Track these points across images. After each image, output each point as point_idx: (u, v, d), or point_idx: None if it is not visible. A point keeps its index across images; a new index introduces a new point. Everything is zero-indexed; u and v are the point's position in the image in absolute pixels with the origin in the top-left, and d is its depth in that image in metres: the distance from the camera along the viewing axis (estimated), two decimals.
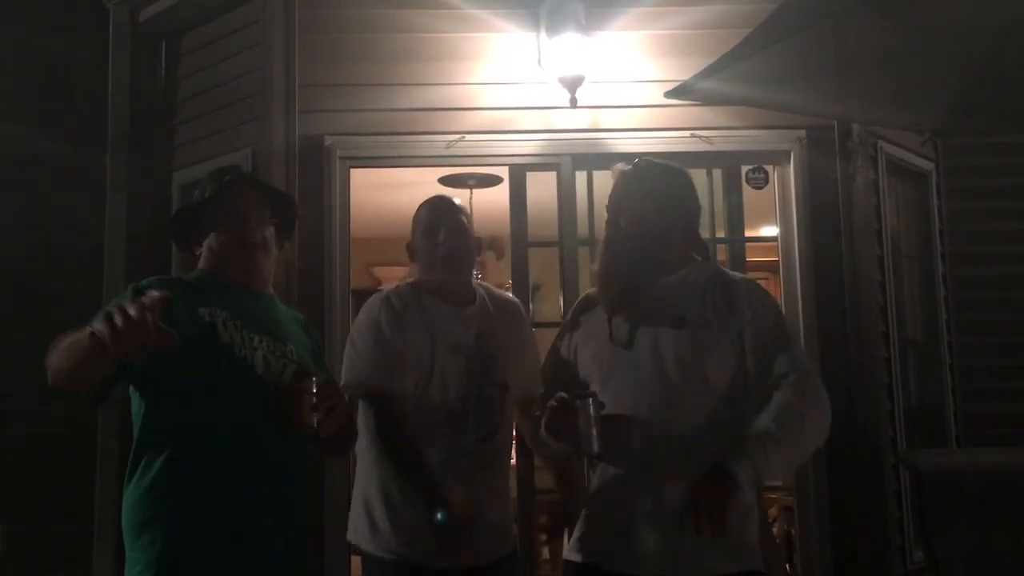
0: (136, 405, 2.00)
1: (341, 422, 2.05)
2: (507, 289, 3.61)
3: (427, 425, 2.34)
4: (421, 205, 2.56)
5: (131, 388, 2.00)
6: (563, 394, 2.06)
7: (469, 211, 2.61)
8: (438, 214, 2.50)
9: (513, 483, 3.70)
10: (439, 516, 2.11)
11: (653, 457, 2.01)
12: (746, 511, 2.03)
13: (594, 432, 1.98)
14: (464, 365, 2.37)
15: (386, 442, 2.32)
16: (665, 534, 1.98)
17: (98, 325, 1.57)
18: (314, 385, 1.95)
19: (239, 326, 2.01)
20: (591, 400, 1.99)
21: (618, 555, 2.03)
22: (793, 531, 4.15)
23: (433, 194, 2.63)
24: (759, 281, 6.36)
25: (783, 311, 2.18)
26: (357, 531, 2.43)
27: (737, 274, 2.27)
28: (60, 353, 1.76)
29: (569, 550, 2.17)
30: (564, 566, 2.18)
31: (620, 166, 2.24)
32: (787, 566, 4.01)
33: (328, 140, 3.87)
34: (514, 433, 2.57)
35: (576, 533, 2.18)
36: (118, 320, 1.54)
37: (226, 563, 1.91)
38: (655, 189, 2.18)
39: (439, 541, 2.23)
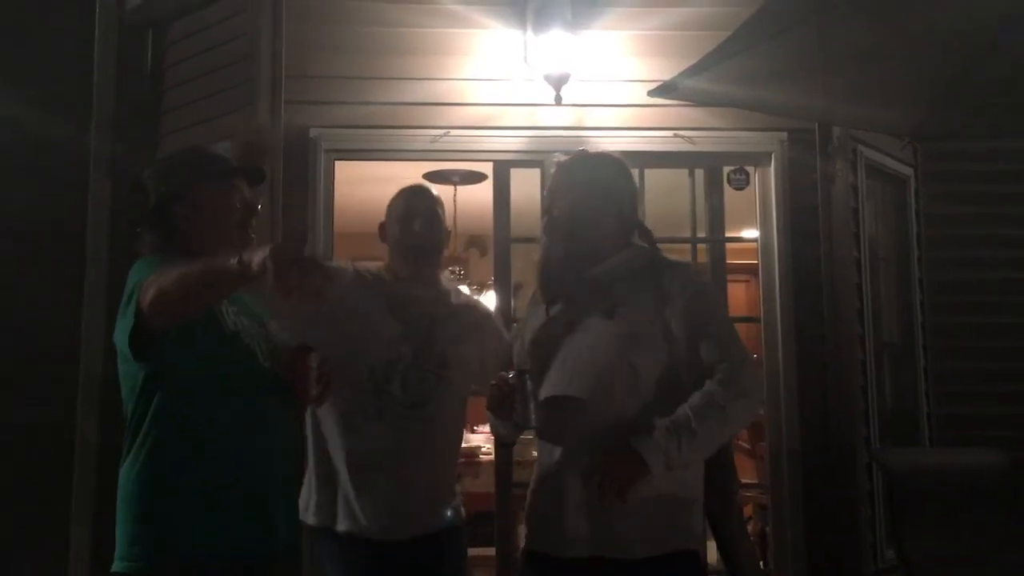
0: (128, 388, 2.01)
1: (329, 394, 2.19)
2: (489, 286, 3.64)
3: (353, 380, 2.39)
4: (400, 192, 2.61)
5: (125, 371, 2.01)
6: (501, 373, 2.11)
7: (444, 204, 2.65)
8: (415, 203, 2.55)
9: (492, 478, 3.76)
10: None
11: (586, 444, 2.05)
12: (690, 500, 2.08)
13: (531, 407, 2.04)
14: (402, 332, 2.44)
15: None
16: (599, 518, 2.02)
17: (259, 257, 1.67)
18: (315, 360, 2.08)
19: (236, 312, 2.07)
20: (526, 377, 2.04)
21: (556, 540, 2.08)
22: (768, 529, 4.20)
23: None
24: (739, 283, 6.39)
25: (720, 298, 2.22)
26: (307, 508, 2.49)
27: (674, 260, 2.26)
28: (186, 276, 1.79)
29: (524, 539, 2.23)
30: (520, 556, 2.23)
31: (557, 157, 2.28)
32: (761, 564, 4.05)
33: (313, 132, 3.88)
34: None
35: (525, 521, 2.23)
36: (296, 261, 1.66)
37: (237, 539, 1.97)
38: (585, 179, 2.21)
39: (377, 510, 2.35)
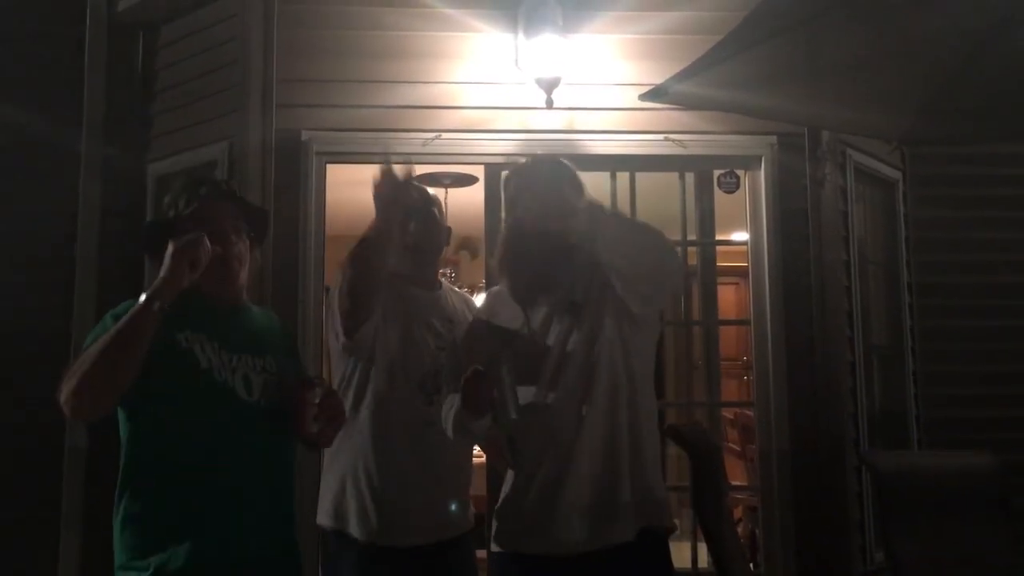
0: (123, 432, 1.99)
1: (338, 430, 2.12)
2: (480, 289, 3.66)
3: (402, 395, 2.43)
4: None
5: (119, 413, 1.99)
6: (477, 366, 2.08)
7: (440, 202, 2.68)
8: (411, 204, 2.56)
9: (483, 482, 3.76)
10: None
11: (565, 440, 2.07)
12: (652, 460, 2.14)
13: (511, 401, 2.02)
14: (435, 343, 2.47)
15: None
16: (579, 512, 2.05)
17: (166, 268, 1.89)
18: (317, 396, 2.00)
19: (217, 348, 2.01)
20: (504, 368, 2.03)
21: (535, 538, 2.09)
22: (757, 531, 4.21)
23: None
24: (729, 286, 6.41)
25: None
26: (325, 512, 2.49)
27: None
28: (100, 351, 1.84)
29: (492, 541, 2.21)
30: (488, 558, 2.23)
31: (517, 160, 2.35)
32: (751, 566, 4.07)
33: (305, 135, 3.88)
34: None
35: (495, 523, 2.22)
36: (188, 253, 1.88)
37: None
38: (555, 181, 2.23)
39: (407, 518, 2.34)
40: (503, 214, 2.34)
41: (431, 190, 2.74)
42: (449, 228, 2.69)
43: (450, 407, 2.20)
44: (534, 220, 2.19)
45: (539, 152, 3.88)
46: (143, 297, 1.86)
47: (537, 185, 2.23)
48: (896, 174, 4.67)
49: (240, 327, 2.11)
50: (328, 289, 2.76)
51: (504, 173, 2.34)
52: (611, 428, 2.09)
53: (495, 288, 2.39)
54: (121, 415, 1.98)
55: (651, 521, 2.12)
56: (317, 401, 2.01)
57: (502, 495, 2.21)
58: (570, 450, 2.07)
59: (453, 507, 2.49)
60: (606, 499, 2.07)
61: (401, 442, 2.43)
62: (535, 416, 2.09)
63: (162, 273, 1.90)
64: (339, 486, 2.47)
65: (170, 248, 1.91)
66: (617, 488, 2.08)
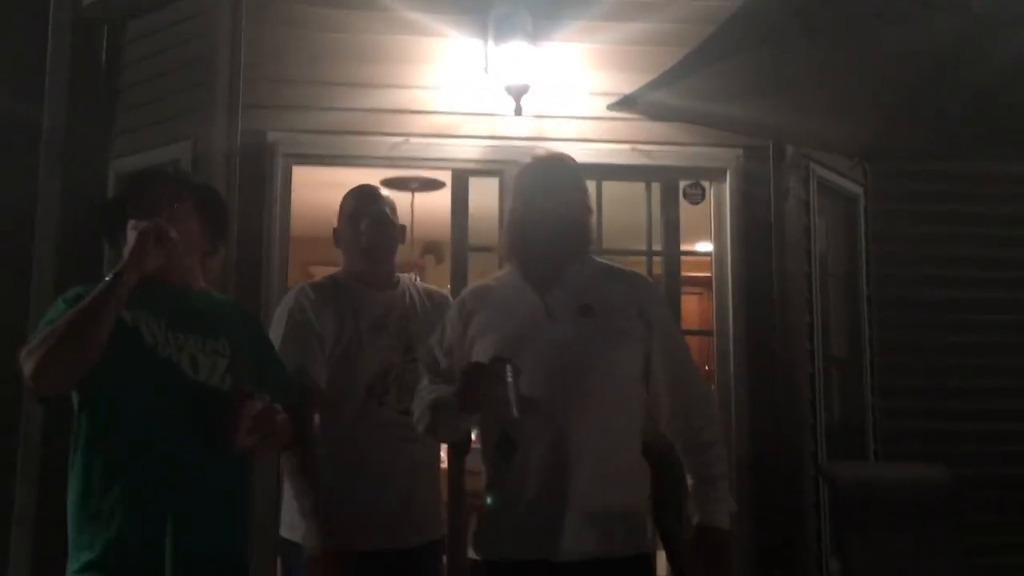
0: (76, 409, 1.98)
1: (278, 446, 2.07)
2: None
3: (349, 397, 2.39)
4: (347, 194, 2.63)
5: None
6: (476, 361, 2.06)
7: (393, 202, 2.65)
8: (361, 203, 2.57)
9: (444, 487, 3.74)
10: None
11: (564, 443, 2.05)
12: (635, 481, 2.15)
13: (513, 398, 1.98)
14: (385, 341, 2.44)
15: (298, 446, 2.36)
16: (573, 518, 2.03)
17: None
18: (255, 409, 1.93)
19: (163, 326, 2.00)
20: (508, 366, 2.00)
21: (524, 543, 2.06)
22: None
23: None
24: (693, 296, 6.41)
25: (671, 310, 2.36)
26: (286, 524, 2.45)
27: (630, 269, 2.38)
28: (69, 324, 1.85)
29: (473, 547, 2.17)
30: (471, 565, 2.18)
31: (539, 153, 2.35)
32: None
33: (271, 136, 3.85)
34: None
35: (479, 528, 2.18)
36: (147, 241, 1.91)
37: (164, 562, 1.89)
38: (574, 176, 2.27)
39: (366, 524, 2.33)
40: (512, 203, 2.30)
41: (396, 194, 2.72)
42: (403, 227, 2.65)
43: (426, 402, 2.16)
44: (556, 211, 2.18)
45: (509, 159, 3.91)
46: (110, 275, 1.90)
47: (558, 179, 2.25)
48: (858, 189, 4.74)
49: (189, 309, 2.08)
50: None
51: (523, 166, 2.33)
52: (610, 439, 2.09)
53: (480, 284, 2.36)
54: (74, 394, 1.97)
55: (642, 545, 2.12)
56: (254, 414, 1.92)
57: (486, 500, 2.17)
58: (568, 458, 2.05)
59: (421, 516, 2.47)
60: (602, 510, 2.05)
61: (351, 447, 2.38)
62: (537, 417, 2.04)
63: (128, 251, 1.94)
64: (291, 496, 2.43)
65: (132, 226, 1.96)
66: (614, 500, 2.07)
